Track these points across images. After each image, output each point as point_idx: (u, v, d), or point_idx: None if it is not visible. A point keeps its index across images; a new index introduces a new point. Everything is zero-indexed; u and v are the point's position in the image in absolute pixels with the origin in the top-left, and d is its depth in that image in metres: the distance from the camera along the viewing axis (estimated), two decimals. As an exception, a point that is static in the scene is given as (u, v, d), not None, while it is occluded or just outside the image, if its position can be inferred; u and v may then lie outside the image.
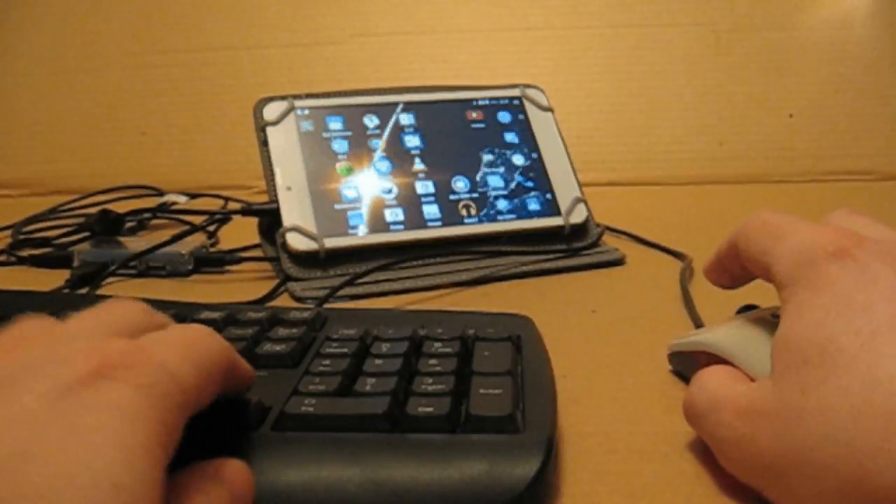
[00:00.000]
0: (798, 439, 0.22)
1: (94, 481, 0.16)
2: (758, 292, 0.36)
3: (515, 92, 0.64)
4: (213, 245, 0.65)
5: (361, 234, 0.54)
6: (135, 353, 0.20)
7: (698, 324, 0.43)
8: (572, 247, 0.57)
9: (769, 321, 0.29)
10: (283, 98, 0.58)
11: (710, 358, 0.31)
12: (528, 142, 0.61)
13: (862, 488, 0.20)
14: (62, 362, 0.19)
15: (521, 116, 0.62)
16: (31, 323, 0.23)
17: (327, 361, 0.30)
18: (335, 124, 0.58)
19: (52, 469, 0.16)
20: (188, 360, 0.21)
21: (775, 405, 0.23)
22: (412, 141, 0.59)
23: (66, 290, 0.53)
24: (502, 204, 0.58)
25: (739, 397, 0.25)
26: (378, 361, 0.30)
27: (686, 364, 0.35)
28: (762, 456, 0.23)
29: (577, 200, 0.59)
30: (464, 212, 0.57)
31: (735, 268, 0.30)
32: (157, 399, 0.19)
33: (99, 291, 0.52)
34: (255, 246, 0.59)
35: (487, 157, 0.60)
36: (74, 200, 0.81)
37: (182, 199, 0.81)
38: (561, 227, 0.58)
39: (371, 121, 0.59)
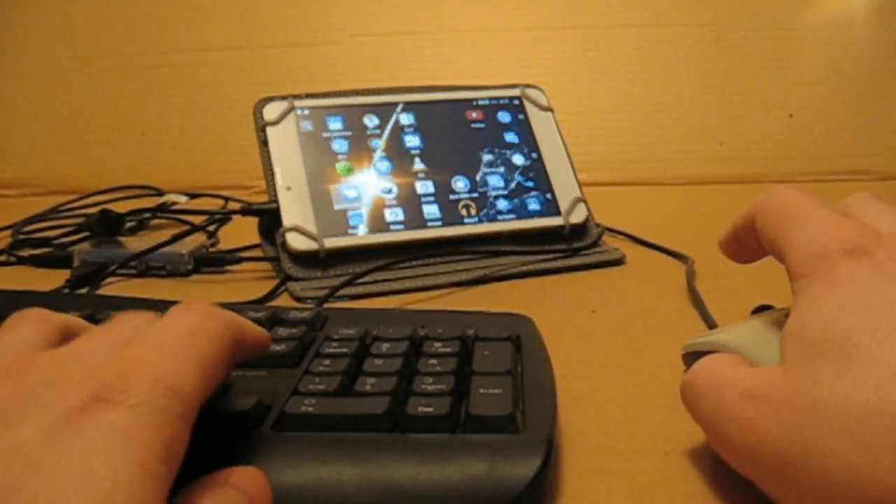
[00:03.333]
0: (810, 430, 0.22)
1: (83, 484, 0.17)
2: (772, 293, 0.36)
3: (515, 92, 0.64)
4: (213, 245, 0.65)
5: (361, 234, 0.54)
6: (129, 372, 0.20)
7: (710, 324, 0.43)
8: (572, 247, 0.57)
9: (784, 322, 0.29)
10: (283, 98, 0.58)
11: None
12: (528, 142, 0.61)
13: (874, 484, 0.20)
14: (58, 390, 0.19)
15: (521, 116, 0.62)
16: (27, 330, 0.24)
17: (327, 361, 0.30)
18: (335, 124, 0.58)
19: (43, 500, 0.16)
20: (187, 361, 0.21)
21: (786, 393, 0.23)
22: (412, 141, 0.59)
23: (66, 290, 0.53)
24: (502, 204, 0.58)
25: (745, 379, 0.25)
26: (378, 361, 0.30)
27: None
28: (766, 444, 0.23)
29: (577, 200, 0.59)
30: (464, 212, 0.57)
31: (751, 242, 0.30)
32: (154, 416, 0.19)
33: (99, 291, 0.52)
34: (255, 246, 0.59)
35: (487, 157, 0.60)
36: (74, 200, 0.81)
37: (182, 199, 0.81)
38: (561, 227, 0.58)
39: (371, 121, 0.59)
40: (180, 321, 0.23)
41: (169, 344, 0.21)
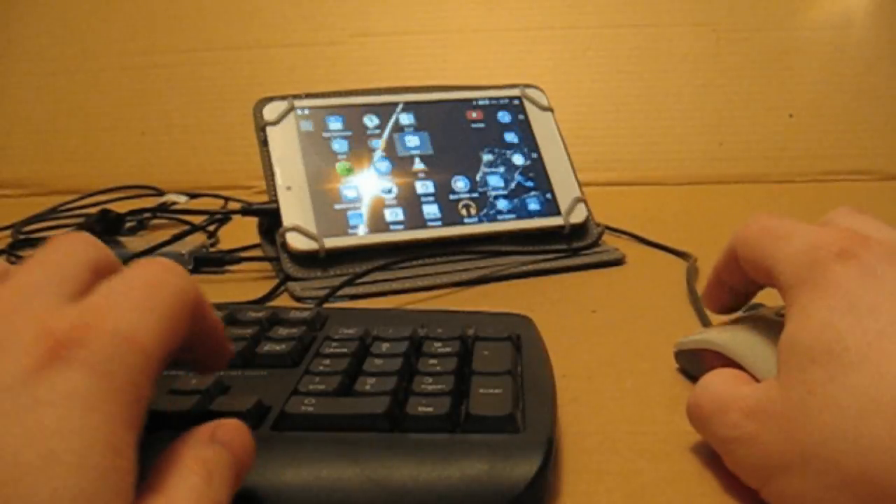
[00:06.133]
0: (805, 435, 0.22)
1: (49, 469, 0.16)
2: (772, 293, 0.36)
3: (515, 92, 0.64)
4: (213, 245, 0.65)
5: (361, 234, 0.54)
6: (85, 323, 0.18)
7: (705, 322, 0.43)
8: (572, 246, 0.57)
9: (775, 320, 0.29)
10: (283, 98, 0.58)
11: (716, 356, 0.31)
12: (528, 142, 0.61)
13: (868, 484, 0.20)
14: (9, 349, 0.18)
15: (521, 116, 0.62)
16: None
17: (327, 361, 0.30)
18: (335, 124, 0.58)
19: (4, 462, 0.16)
20: (148, 311, 0.20)
21: (782, 404, 0.23)
22: (412, 141, 0.59)
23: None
24: (502, 204, 0.58)
25: (746, 397, 0.25)
26: (378, 361, 0.30)
27: (692, 362, 0.35)
28: (768, 454, 0.23)
29: (577, 200, 0.59)
30: (464, 211, 0.57)
31: (736, 281, 0.30)
32: (115, 374, 0.18)
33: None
34: (255, 246, 0.59)
35: (487, 157, 0.60)
36: (74, 200, 0.81)
37: (182, 199, 0.81)
38: (561, 227, 0.58)
39: (371, 121, 0.59)
40: (139, 272, 0.21)
41: (128, 293, 0.20)
